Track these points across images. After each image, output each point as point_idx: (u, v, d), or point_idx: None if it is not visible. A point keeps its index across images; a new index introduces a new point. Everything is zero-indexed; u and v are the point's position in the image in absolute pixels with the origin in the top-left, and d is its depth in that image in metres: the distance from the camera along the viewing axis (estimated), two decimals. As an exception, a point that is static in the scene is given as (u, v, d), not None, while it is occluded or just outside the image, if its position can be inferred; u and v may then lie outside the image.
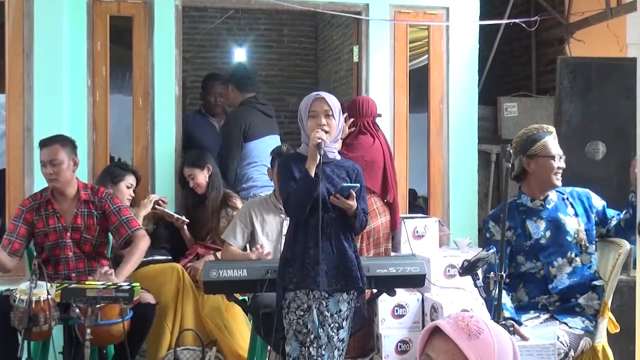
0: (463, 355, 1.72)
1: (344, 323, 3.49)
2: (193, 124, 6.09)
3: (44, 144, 4.25)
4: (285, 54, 10.37)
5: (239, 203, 4.97)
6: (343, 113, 5.30)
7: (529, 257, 3.78)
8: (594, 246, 3.79)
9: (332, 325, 3.44)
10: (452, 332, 1.75)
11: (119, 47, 5.80)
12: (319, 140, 3.34)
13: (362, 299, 3.61)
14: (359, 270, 3.49)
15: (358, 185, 3.44)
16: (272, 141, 5.44)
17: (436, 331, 1.80)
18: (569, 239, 3.73)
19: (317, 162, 3.34)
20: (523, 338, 3.38)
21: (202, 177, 5.00)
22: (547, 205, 3.79)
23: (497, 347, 1.75)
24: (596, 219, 3.83)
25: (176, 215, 4.98)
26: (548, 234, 3.75)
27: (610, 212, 3.85)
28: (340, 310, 3.46)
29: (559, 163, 3.73)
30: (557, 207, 3.79)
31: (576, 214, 3.79)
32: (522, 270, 3.80)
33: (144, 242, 4.27)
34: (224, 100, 6.06)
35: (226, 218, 4.93)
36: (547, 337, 3.40)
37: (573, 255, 3.73)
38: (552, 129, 3.82)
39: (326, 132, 3.41)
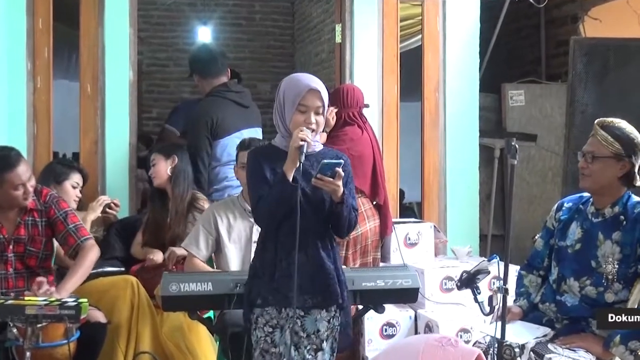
0: None
1: (324, 344, 3.41)
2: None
3: (14, 164, 4.06)
4: (257, 33, 10.39)
5: (206, 205, 4.93)
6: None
7: (554, 257, 3.82)
8: (620, 285, 3.57)
9: (308, 348, 3.37)
10: None
11: (63, 25, 5.77)
12: (302, 143, 3.22)
13: (345, 317, 3.51)
14: (338, 284, 3.40)
15: (342, 161, 3.22)
16: (251, 135, 5.18)
17: None
18: (593, 264, 3.62)
19: (297, 166, 3.23)
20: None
21: (162, 166, 4.96)
22: (594, 218, 3.68)
23: None
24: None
25: None
26: (578, 246, 3.70)
27: None
28: (318, 330, 3.39)
29: (581, 161, 3.67)
30: (605, 224, 3.64)
31: (619, 242, 3.58)
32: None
33: (92, 254, 4.24)
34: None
35: (192, 223, 4.89)
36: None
37: (587, 282, 3.63)
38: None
39: (312, 130, 3.31)
